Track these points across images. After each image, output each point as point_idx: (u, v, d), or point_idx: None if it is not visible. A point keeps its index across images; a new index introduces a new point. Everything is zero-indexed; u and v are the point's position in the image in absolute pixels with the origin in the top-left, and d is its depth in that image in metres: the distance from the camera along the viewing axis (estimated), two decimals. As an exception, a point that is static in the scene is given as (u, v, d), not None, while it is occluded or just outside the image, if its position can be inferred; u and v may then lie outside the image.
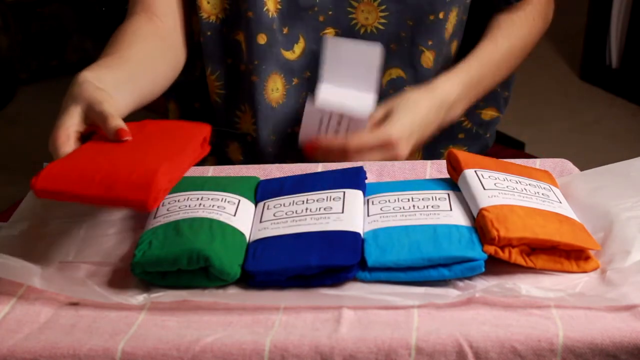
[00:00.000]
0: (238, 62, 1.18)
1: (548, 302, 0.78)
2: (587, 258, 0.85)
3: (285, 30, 1.15)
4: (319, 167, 1.07)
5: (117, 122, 0.87)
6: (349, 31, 1.16)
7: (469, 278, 0.83)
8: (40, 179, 0.80)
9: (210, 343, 0.74)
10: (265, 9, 1.12)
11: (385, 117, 1.08)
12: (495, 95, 1.29)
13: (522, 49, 1.21)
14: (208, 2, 1.15)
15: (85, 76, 0.94)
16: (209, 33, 1.16)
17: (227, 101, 1.21)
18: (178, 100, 1.28)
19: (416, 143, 1.10)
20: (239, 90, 1.20)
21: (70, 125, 0.89)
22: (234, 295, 0.82)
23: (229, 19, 1.16)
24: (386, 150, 1.06)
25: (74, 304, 0.81)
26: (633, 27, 2.77)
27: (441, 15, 1.15)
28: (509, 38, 1.17)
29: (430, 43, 1.16)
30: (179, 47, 1.17)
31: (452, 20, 1.17)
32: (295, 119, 1.19)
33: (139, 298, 0.81)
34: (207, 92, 1.23)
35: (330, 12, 1.16)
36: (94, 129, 0.90)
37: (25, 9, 3.08)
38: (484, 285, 0.81)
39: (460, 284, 0.82)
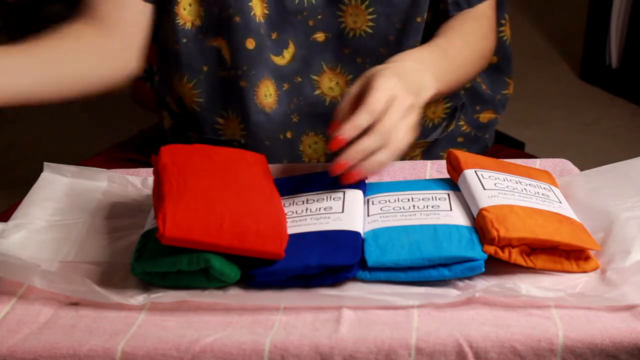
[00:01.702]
0: (215, 69, 1.17)
1: (548, 302, 0.78)
2: (587, 258, 0.85)
3: (274, 36, 1.15)
4: (319, 168, 1.07)
5: None
6: (339, 35, 1.15)
7: (469, 278, 0.83)
8: (167, 227, 0.80)
9: (210, 343, 0.74)
10: (252, 13, 1.11)
11: (364, 87, 0.92)
12: (489, 98, 1.29)
13: (474, 55, 1.14)
14: (184, 9, 1.14)
15: None
16: (184, 40, 1.15)
17: (206, 109, 1.20)
18: (166, 107, 1.27)
19: (414, 96, 0.93)
20: (219, 97, 1.19)
21: None
22: (234, 295, 0.82)
23: (205, 26, 1.15)
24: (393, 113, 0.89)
25: (74, 304, 0.81)
26: (633, 27, 2.76)
27: (425, 17, 1.14)
28: (460, 38, 1.12)
29: (417, 46, 1.15)
30: (126, 59, 1.14)
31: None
32: (287, 124, 1.18)
33: (139, 298, 0.81)
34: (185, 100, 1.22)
35: (319, 17, 1.15)
36: None
37: (25, 9, 3.08)
38: (484, 285, 0.81)
39: (460, 284, 0.82)
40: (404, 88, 0.91)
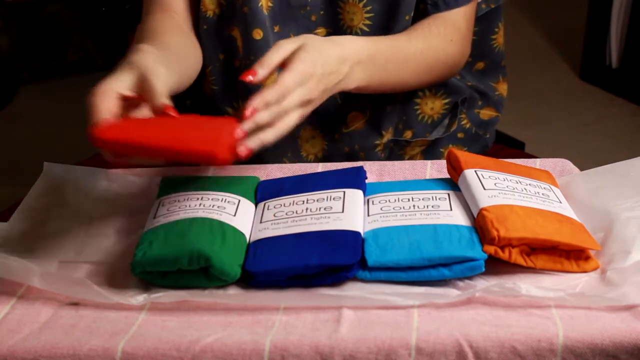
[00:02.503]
0: (231, 58, 1.18)
1: (548, 302, 0.78)
2: (587, 258, 0.85)
3: (276, 29, 1.15)
4: (319, 167, 1.07)
5: (164, 99, 0.88)
6: (339, 32, 1.16)
7: (469, 278, 0.83)
8: (101, 128, 0.79)
9: (210, 343, 0.74)
10: (259, 4, 1.12)
11: (295, 52, 0.98)
12: (489, 96, 1.29)
13: (434, 60, 1.14)
14: None
15: (145, 47, 0.95)
16: (205, 27, 1.17)
17: (219, 97, 1.21)
18: (170, 98, 1.28)
19: (323, 88, 0.99)
20: (232, 86, 1.20)
21: (116, 87, 0.89)
22: (234, 295, 0.82)
23: (224, 15, 1.16)
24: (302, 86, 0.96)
25: (74, 304, 0.81)
26: (633, 27, 2.76)
27: (411, 15, 1.15)
28: (423, 41, 1.13)
29: None
30: (197, 43, 1.18)
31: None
32: None
33: (139, 298, 0.81)
34: (198, 89, 1.23)
35: (322, 12, 1.15)
36: (138, 99, 0.90)
37: (25, 9, 3.08)
38: (484, 285, 0.81)
39: (461, 283, 0.83)
40: (316, 80, 0.96)
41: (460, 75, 1.27)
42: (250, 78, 0.94)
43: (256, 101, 0.91)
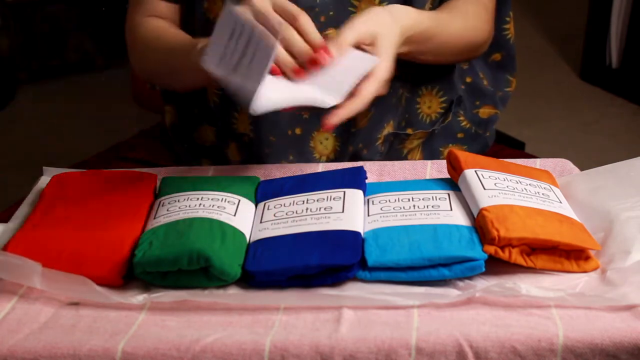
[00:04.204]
0: None
1: (548, 302, 0.78)
2: (587, 258, 0.85)
3: None
4: (319, 167, 1.07)
5: None
6: None
7: (469, 278, 0.83)
8: (9, 251, 0.84)
9: (210, 343, 0.74)
10: None
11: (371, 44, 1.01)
12: (489, 94, 1.29)
13: (472, 38, 1.17)
14: (215, 4, 1.14)
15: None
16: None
17: (225, 101, 1.20)
18: (175, 102, 1.27)
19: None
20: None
21: None
22: (234, 295, 0.82)
23: None
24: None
25: (75, 304, 0.81)
26: (633, 27, 2.76)
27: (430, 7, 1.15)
28: (463, 18, 1.15)
29: None
30: None
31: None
32: (298, 120, 1.18)
33: (139, 298, 0.81)
34: (202, 94, 1.22)
35: (331, 13, 1.15)
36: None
37: (25, 9, 3.08)
38: (484, 285, 0.81)
39: (461, 283, 0.83)
40: (390, 66, 0.98)
41: (470, 64, 1.27)
42: (324, 60, 0.94)
43: (346, 113, 0.92)
